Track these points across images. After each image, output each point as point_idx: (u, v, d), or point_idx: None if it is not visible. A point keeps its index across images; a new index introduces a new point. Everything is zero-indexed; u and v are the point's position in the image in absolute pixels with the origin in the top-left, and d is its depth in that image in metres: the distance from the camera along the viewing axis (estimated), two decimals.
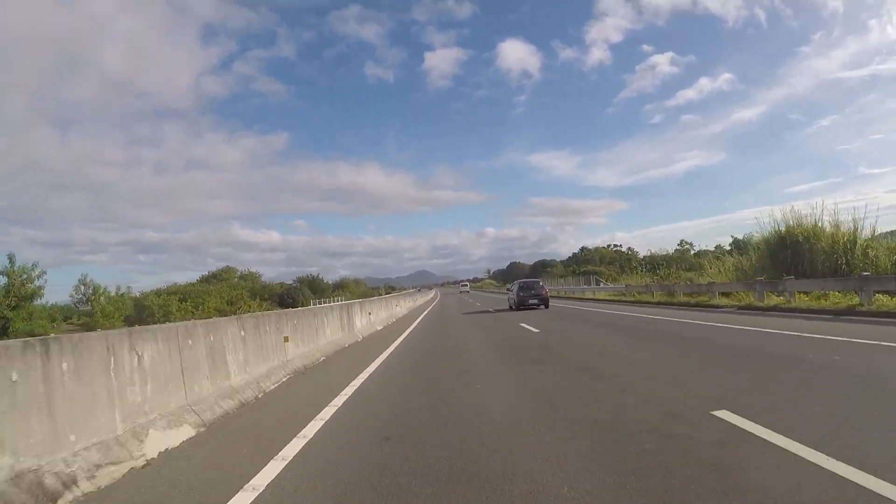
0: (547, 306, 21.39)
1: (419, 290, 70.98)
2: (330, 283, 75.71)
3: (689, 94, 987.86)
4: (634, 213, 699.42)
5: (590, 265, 78.30)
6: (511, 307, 22.55)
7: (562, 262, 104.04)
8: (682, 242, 78.30)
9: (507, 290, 27.87)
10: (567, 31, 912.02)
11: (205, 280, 62.65)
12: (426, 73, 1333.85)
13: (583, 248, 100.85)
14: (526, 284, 23.08)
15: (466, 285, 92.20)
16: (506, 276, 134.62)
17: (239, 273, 68.92)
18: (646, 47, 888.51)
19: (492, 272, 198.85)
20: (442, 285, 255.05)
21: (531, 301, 21.00)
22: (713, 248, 52.79)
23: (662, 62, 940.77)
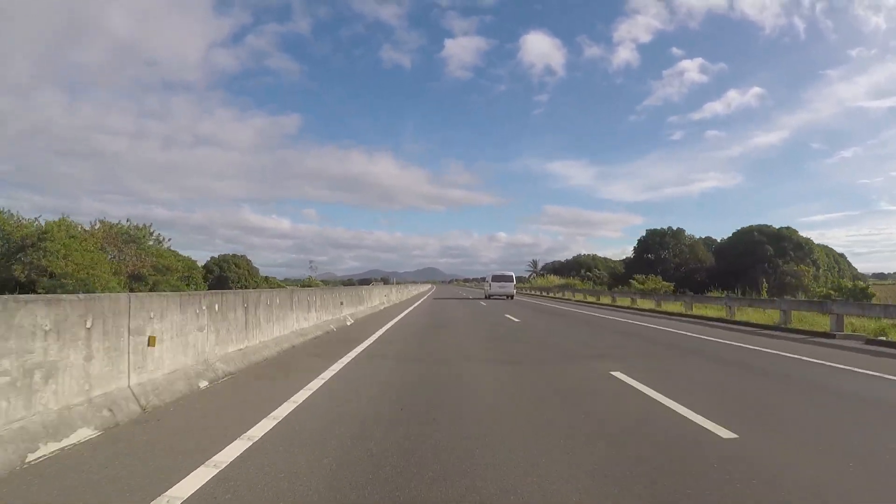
0: None
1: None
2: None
3: (716, 106, 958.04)
4: (647, 229, 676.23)
5: None
6: None
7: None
8: None
9: None
10: (595, 27, 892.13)
11: None
12: (445, 62, 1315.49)
13: None
14: None
15: (510, 280, 36.27)
16: (641, 262, 61.58)
17: None
18: (675, 50, 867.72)
19: (540, 266, 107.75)
20: (449, 282, 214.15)
21: None
22: None
23: (691, 68, 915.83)
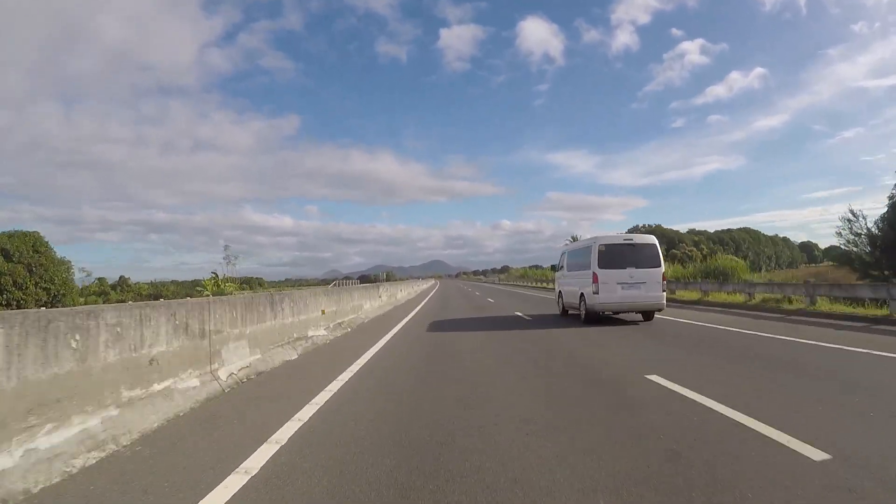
0: None
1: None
2: None
3: (718, 89, 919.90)
4: (653, 211, 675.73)
5: None
6: None
7: None
8: None
9: None
10: (591, 10, 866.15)
11: None
12: (441, 53, 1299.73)
13: None
14: None
15: (655, 262, 11.17)
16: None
17: None
18: (675, 31, 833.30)
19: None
20: (456, 276, 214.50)
21: None
22: None
23: (692, 50, 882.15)
